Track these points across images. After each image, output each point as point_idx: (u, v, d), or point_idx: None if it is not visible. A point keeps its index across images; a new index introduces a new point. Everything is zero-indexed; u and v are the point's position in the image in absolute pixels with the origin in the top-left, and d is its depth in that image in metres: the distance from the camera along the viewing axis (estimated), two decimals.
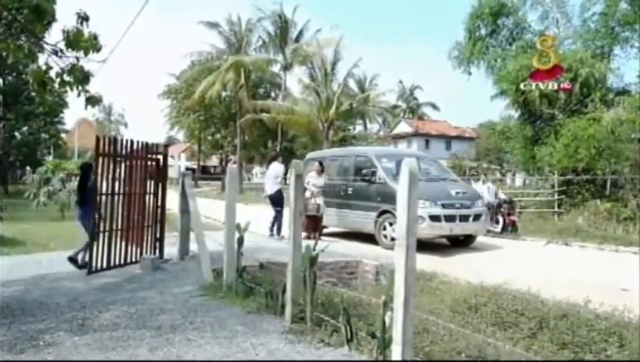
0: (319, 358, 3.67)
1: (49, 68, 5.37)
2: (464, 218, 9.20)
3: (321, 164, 10.88)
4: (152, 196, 7.50)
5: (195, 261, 7.02)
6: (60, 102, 26.82)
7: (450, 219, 9.02)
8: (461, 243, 9.81)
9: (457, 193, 9.62)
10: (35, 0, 5.00)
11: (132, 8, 19.00)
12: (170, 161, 8.58)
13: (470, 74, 21.83)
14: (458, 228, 9.24)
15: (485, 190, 12.68)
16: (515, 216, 13.20)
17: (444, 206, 9.03)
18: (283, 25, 33.24)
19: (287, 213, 7.22)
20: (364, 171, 10.16)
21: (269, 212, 10.61)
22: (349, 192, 10.46)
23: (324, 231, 10.70)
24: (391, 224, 9.08)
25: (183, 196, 7.63)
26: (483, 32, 21.27)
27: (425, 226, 8.59)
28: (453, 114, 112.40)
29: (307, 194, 10.22)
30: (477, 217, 9.42)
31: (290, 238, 4.53)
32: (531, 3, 20.61)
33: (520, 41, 20.54)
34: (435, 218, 8.83)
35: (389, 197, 8.91)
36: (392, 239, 8.35)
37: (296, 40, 33.71)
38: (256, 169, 56.13)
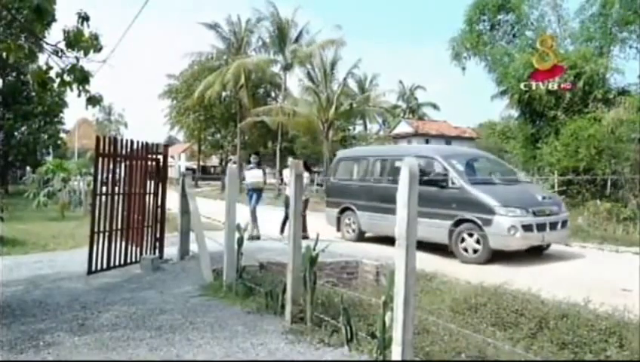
0: (319, 358, 3.67)
1: (49, 68, 5.37)
2: (553, 225, 8.34)
3: (305, 163, 10.87)
4: (152, 196, 7.50)
5: (195, 261, 7.02)
6: (60, 102, 26.79)
7: (541, 227, 8.14)
8: (533, 251, 8.65)
9: (544, 198, 8.81)
10: (36, 0, 5.00)
11: (132, 8, 19.01)
12: (170, 161, 8.58)
13: (464, 69, 21.74)
14: (549, 237, 8.44)
15: None
16: None
17: (535, 213, 8.13)
18: (283, 25, 33.21)
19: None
20: (430, 174, 8.92)
21: (269, 212, 10.64)
22: None
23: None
24: (471, 235, 8.21)
25: (183, 196, 7.63)
26: (483, 25, 21.19)
27: (518, 237, 7.82)
28: (453, 114, 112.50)
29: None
30: (564, 224, 8.68)
31: (290, 238, 4.53)
32: (529, 3, 20.59)
33: (522, 37, 20.49)
34: (527, 227, 7.93)
35: (468, 204, 8.23)
36: (475, 251, 8.16)
37: (296, 40, 33.69)
38: None
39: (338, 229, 10.71)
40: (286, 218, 10.37)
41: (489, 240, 7.97)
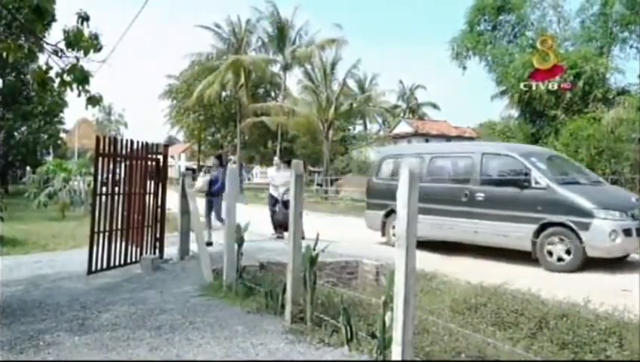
0: (319, 358, 3.67)
1: (49, 68, 5.37)
2: None
3: (288, 162, 10.78)
4: (152, 196, 7.50)
5: (195, 261, 7.01)
6: (60, 102, 26.77)
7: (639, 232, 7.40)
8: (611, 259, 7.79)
9: (638, 200, 8.11)
10: (36, 0, 5.00)
11: (132, 8, 19.02)
12: (170, 161, 8.58)
13: (465, 68, 21.79)
14: None
15: None
16: None
17: (634, 217, 7.47)
18: (283, 25, 33.23)
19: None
20: (509, 174, 8.27)
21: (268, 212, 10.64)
22: (479, 199, 8.37)
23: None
24: (562, 240, 7.42)
25: (183, 196, 7.63)
26: (484, 26, 21.23)
27: (619, 242, 7.14)
28: (453, 114, 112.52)
29: (274, 192, 10.37)
30: None
31: (290, 238, 4.53)
32: (530, 3, 20.61)
33: (522, 37, 20.53)
34: (627, 232, 7.22)
35: (558, 206, 7.46)
36: (559, 259, 7.43)
37: (296, 40, 33.72)
38: (257, 169, 56.13)
39: (383, 234, 9.84)
40: (273, 215, 10.39)
41: (584, 247, 7.22)
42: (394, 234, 8.92)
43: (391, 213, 9.40)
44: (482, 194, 8.33)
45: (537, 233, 7.62)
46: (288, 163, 10.97)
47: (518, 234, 7.78)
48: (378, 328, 3.53)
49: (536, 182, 7.81)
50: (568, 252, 7.37)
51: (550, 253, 7.52)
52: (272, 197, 10.64)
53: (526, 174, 7.97)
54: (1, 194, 19.10)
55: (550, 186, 7.67)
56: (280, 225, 10.03)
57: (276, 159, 11.66)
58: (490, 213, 8.14)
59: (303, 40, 33.41)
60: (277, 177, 10.61)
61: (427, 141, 42.78)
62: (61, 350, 3.81)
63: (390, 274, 3.36)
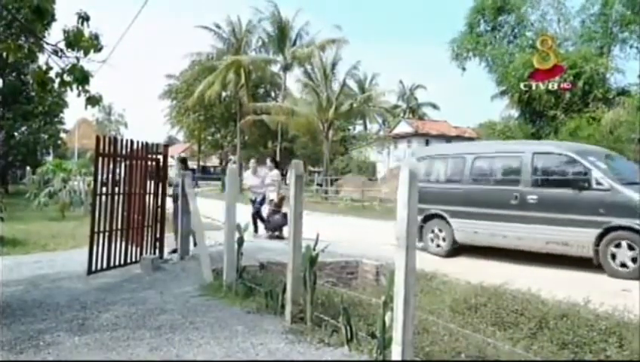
0: (319, 358, 3.67)
1: (49, 68, 5.38)
2: None
3: (274, 161, 10.81)
4: (152, 196, 7.50)
5: (195, 261, 7.02)
6: (60, 102, 26.77)
7: None
8: None
9: None
10: (36, 0, 5.00)
11: (132, 8, 19.03)
12: (170, 161, 8.57)
13: (464, 69, 21.83)
14: None
15: None
16: None
17: None
18: (283, 25, 33.23)
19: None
20: (565, 174, 7.73)
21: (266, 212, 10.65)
22: (531, 202, 7.71)
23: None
24: (631, 247, 6.79)
25: (183, 196, 7.63)
26: (484, 27, 21.27)
27: None
28: (453, 114, 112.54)
29: (252, 196, 10.48)
30: None
31: (290, 238, 4.53)
32: (530, 4, 20.64)
33: (522, 37, 20.55)
34: None
35: (625, 209, 6.90)
36: (622, 265, 6.89)
37: (296, 41, 33.72)
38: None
39: (419, 239, 8.75)
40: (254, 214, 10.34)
41: None
42: (432, 240, 8.87)
43: (430, 218, 8.85)
44: (534, 197, 7.70)
45: (599, 238, 7.06)
46: (276, 165, 10.98)
47: (578, 239, 7.24)
48: (378, 328, 3.53)
49: (598, 183, 7.23)
50: (634, 260, 6.80)
51: (617, 259, 6.95)
52: (253, 201, 10.66)
53: (585, 174, 7.40)
54: (1, 194, 19.09)
55: (614, 187, 7.10)
56: (272, 229, 10.10)
57: (252, 162, 11.56)
58: (545, 217, 7.55)
59: (304, 40, 33.46)
60: (250, 178, 10.77)
61: (427, 141, 42.91)
62: (61, 350, 3.81)
63: (390, 274, 3.36)
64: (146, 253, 7.26)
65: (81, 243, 8.30)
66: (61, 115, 30.10)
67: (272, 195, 10.27)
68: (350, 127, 45.32)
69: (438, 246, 8.82)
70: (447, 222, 8.65)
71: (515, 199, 7.86)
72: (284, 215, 9.76)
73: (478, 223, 8.23)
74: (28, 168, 27.53)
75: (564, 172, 7.80)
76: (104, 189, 6.84)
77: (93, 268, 6.47)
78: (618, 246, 6.95)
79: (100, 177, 6.77)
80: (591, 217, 7.13)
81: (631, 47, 19.08)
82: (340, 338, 3.89)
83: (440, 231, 8.79)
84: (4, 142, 26.33)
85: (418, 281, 5.54)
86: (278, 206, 10.18)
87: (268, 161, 11.18)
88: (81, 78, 5.19)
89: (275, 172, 10.60)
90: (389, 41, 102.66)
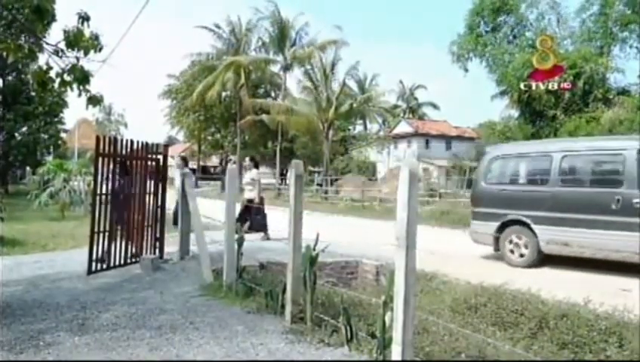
0: (319, 358, 3.67)
1: (49, 68, 5.37)
2: None
3: (253, 160, 10.75)
4: (152, 196, 7.50)
5: (195, 261, 7.02)
6: (60, 102, 26.78)
7: None
8: None
9: None
10: (36, 0, 5.00)
11: (132, 8, 19.04)
12: (170, 161, 8.57)
13: (467, 70, 21.88)
14: None
15: None
16: None
17: None
18: (283, 25, 33.24)
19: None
20: None
21: (268, 212, 10.63)
22: (637, 206, 6.77)
23: None
24: None
25: (183, 196, 7.63)
26: (483, 28, 21.31)
27: None
28: (453, 114, 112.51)
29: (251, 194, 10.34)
30: None
31: (290, 238, 4.53)
32: (528, 4, 20.66)
33: (522, 37, 20.58)
34: None
35: None
36: None
37: (296, 41, 33.74)
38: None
39: (496, 248, 8.32)
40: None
41: None
42: (511, 251, 8.05)
43: (509, 224, 8.08)
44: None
45: None
46: (256, 165, 10.88)
47: None
48: (378, 328, 3.53)
49: None
50: None
51: None
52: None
53: None
54: (1, 194, 19.09)
55: None
56: (257, 230, 10.00)
57: (247, 161, 11.38)
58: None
59: (304, 40, 33.48)
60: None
61: (427, 142, 42.92)
62: (61, 350, 3.81)
63: (390, 274, 3.36)
64: (146, 253, 7.26)
65: (81, 243, 8.31)
66: (61, 115, 30.11)
67: (251, 194, 10.24)
68: (350, 127, 45.33)
69: (522, 255, 7.95)
70: (531, 229, 7.81)
71: (617, 203, 6.95)
72: (264, 215, 10.04)
73: (570, 231, 7.34)
74: (28, 168, 27.54)
75: None
76: (104, 188, 6.83)
77: (93, 268, 6.47)
78: None
79: (99, 187, 6.70)
80: None
81: (631, 46, 19.12)
82: (340, 339, 3.89)
83: (524, 240, 7.93)
84: (4, 143, 26.34)
85: (418, 281, 5.54)
86: (257, 206, 10.11)
87: (247, 159, 11.06)
88: (82, 78, 5.20)
89: (254, 171, 10.50)
90: (389, 41, 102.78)
